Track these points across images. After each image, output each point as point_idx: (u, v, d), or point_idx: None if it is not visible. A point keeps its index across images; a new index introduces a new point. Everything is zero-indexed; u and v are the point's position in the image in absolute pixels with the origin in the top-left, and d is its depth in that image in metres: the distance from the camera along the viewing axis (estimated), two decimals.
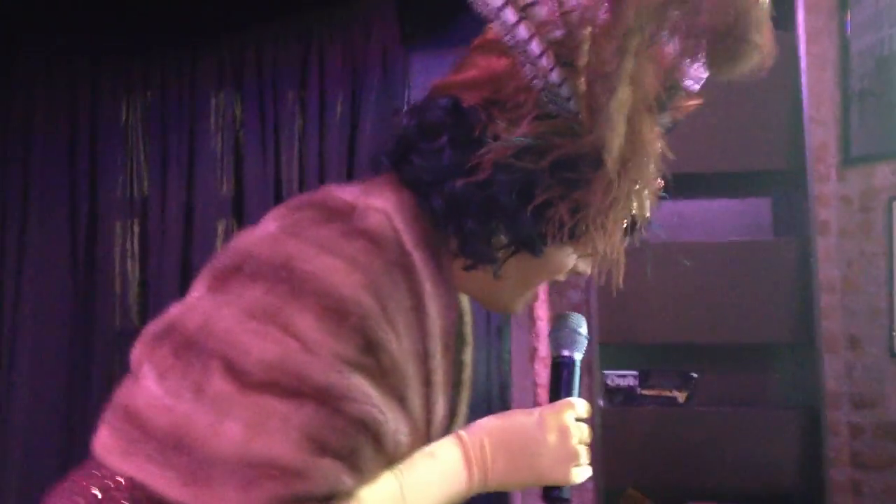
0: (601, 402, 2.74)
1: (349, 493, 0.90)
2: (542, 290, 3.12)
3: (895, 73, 2.89)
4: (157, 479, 0.86)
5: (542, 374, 3.04)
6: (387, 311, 0.92)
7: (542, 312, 3.07)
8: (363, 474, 0.91)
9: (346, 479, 0.89)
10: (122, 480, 0.91)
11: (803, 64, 2.68)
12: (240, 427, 0.85)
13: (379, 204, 0.98)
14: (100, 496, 0.92)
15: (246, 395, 0.86)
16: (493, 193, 0.97)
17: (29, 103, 3.67)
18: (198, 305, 0.95)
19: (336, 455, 0.87)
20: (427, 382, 0.97)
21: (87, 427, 0.96)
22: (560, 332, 1.19)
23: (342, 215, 0.98)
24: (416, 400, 0.96)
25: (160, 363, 0.91)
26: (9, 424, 3.46)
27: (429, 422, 0.99)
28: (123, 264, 3.62)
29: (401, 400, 0.94)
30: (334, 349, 0.88)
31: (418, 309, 0.96)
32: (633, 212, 1.03)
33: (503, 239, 1.02)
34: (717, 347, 2.82)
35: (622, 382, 2.75)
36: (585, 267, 1.13)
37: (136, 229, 3.64)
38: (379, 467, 0.94)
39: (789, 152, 2.69)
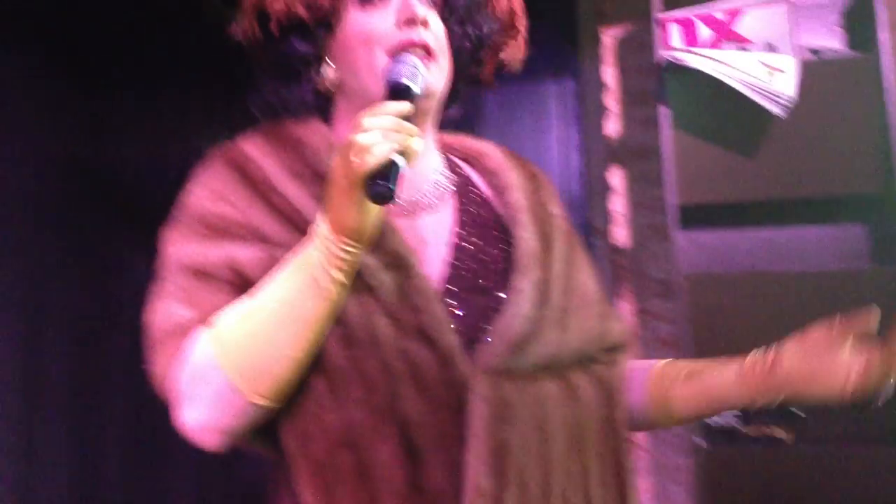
0: (701, 443, 2.65)
1: (192, 319, 1.14)
2: (631, 323, 3.06)
3: None
4: None
5: None
6: (211, 190, 1.22)
7: None
8: (196, 303, 1.15)
9: (181, 311, 1.15)
10: None
11: (886, 83, 2.61)
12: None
13: (240, 142, 1.28)
14: None
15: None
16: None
17: (120, 146, 3.78)
18: None
19: (171, 297, 1.17)
20: (277, 211, 1.18)
21: None
22: (399, 63, 1.19)
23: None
24: (274, 226, 1.17)
25: None
26: None
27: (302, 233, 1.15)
28: None
29: (257, 237, 1.17)
30: (168, 239, 1.22)
31: (244, 175, 1.21)
32: None
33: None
34: None
35: (722, 421, 2.65)
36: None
37: None
38: (220, 292, 1.15)
39: (882, 175, 2.61)
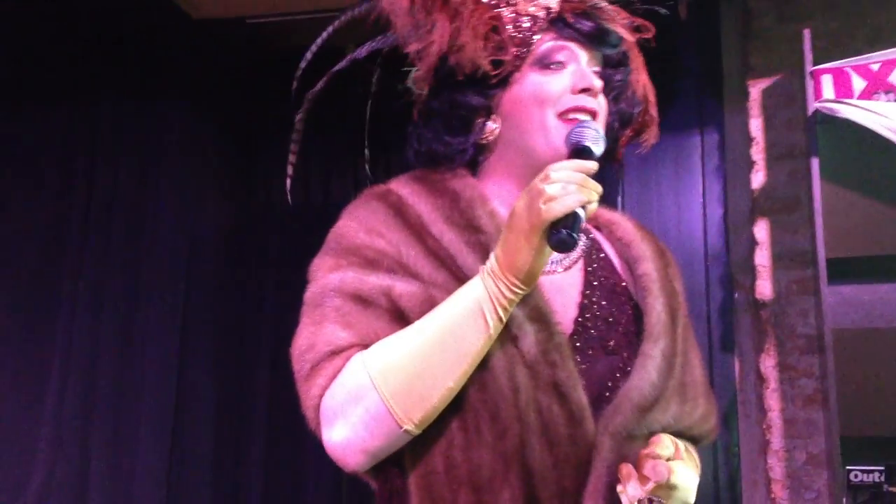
0: (847, 501, 2.56)
1: (350, 342, 1.16)
2: (774, 379, 3.00)
3: None
4: None
5: (776, 468, 2.90)
6: (367, 226, 1.25)
7: (774, 402, 2.95)
8: (354, 326, 1.17)
9: (340, 333, 1.17)
10: None
11: None
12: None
13: (387, 182, 1.34)
14: None
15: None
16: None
17: (268, 201, 3.99)
18: None
19: (328, 320, 1.19)
20: (431, 253, 1.22)
21: None
22: (582, 128, 1.23)
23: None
24: (427, 267, 1.21)
25: None
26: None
27: (463, 279, 1.18)
28: None
29: (410, 273, 1.21)
30: (323, 266, 1.25)
31: (400, 215, 1.26)
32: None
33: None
34: None
35: (867, 478, 2.56)
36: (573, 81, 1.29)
37: None
38: (378, 318, 1.18)
39: None
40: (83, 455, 3.44)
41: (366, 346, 1.17)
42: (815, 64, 2.80)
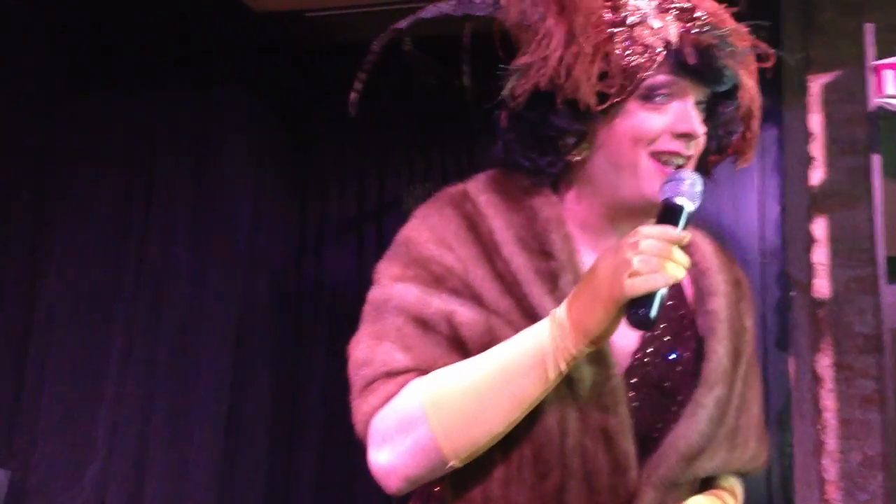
0: None
1: (407, 367, 1.16)
2: (830, 379, 2.95)
3: None
4: None
5: (830, 469, 2.86)
6: (438, 236, 1.23)
7: (829, 403, 2.90)
8: (413, 350, 1.16)
9: (398, 356, 1.16)
10: None
11: None
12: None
13: (465, 182, 1.31)
14: None
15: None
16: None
17: (324, 194, 4.04)
18: None
19: (389, 340, 1.18)
20: (498, 277, 1.20)
21: None
22: (678, 181, 1.16)
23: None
24: (492, 291, 1.19)
25: None
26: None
27: (526, 309, 1.17)
28: None
29: (473, 296, 1.19)
30: (389, 272, 1.24)
31: (473, 229, 1.24)
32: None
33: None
34: None
35: None
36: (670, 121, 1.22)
37: None
38: (437, 345, 1.17)
39: None
40: (140, 447, 3.50)
41: (422, 371, 1.17)
42: (878, 59, 2.75)
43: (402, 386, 1.16)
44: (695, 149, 1.23)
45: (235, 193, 3.71)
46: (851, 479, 2.87)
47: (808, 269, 3.10)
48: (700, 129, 1.22)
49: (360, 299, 1.28)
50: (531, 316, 1.16)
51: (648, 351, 1.24)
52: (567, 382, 1.14)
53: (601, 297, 1.07)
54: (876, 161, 2.69)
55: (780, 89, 3.26)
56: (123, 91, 3.76)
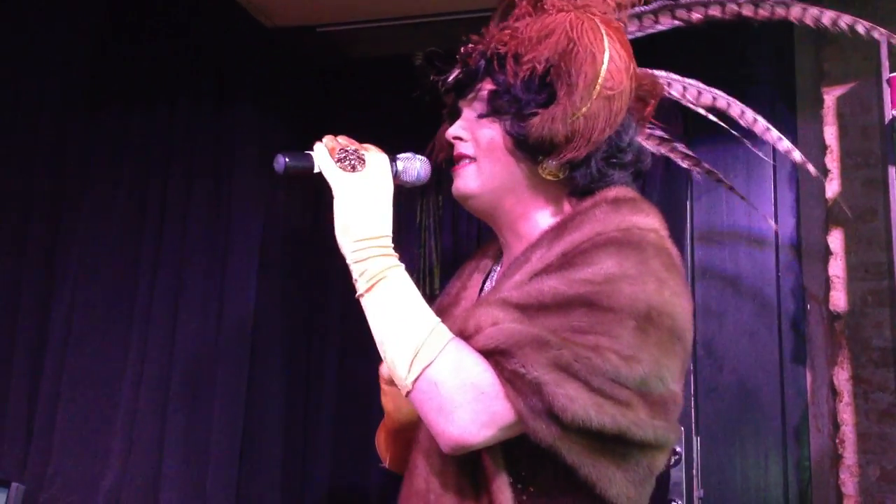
0: None
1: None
2: (847, 392, 2.93)
3: None
4: None
5: (848, 483, 2.83)
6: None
7: (847, 416, 2.88)
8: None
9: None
10: None
11: None
12: None
13: (648, 223, 1.37)
14: None
15: None
16: None
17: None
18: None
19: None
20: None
21: None
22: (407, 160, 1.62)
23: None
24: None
25: None
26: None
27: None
28: None
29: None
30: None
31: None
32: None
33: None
34: None
35: None
36: None
37: None
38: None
39: None
40: (155, 462, 3.50)
41: None
42: (892, 71, 2.75)
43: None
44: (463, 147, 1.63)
45: (248, 206, 3.71)
46: (869, 494, 2.85)
47: (825, 283, 3.08)
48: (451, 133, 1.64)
49: None
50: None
51: None
52: None
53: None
54: (892, 173, 2.68)
55: (794, 102, 3.25)
56: (138, 106, 3.78)
